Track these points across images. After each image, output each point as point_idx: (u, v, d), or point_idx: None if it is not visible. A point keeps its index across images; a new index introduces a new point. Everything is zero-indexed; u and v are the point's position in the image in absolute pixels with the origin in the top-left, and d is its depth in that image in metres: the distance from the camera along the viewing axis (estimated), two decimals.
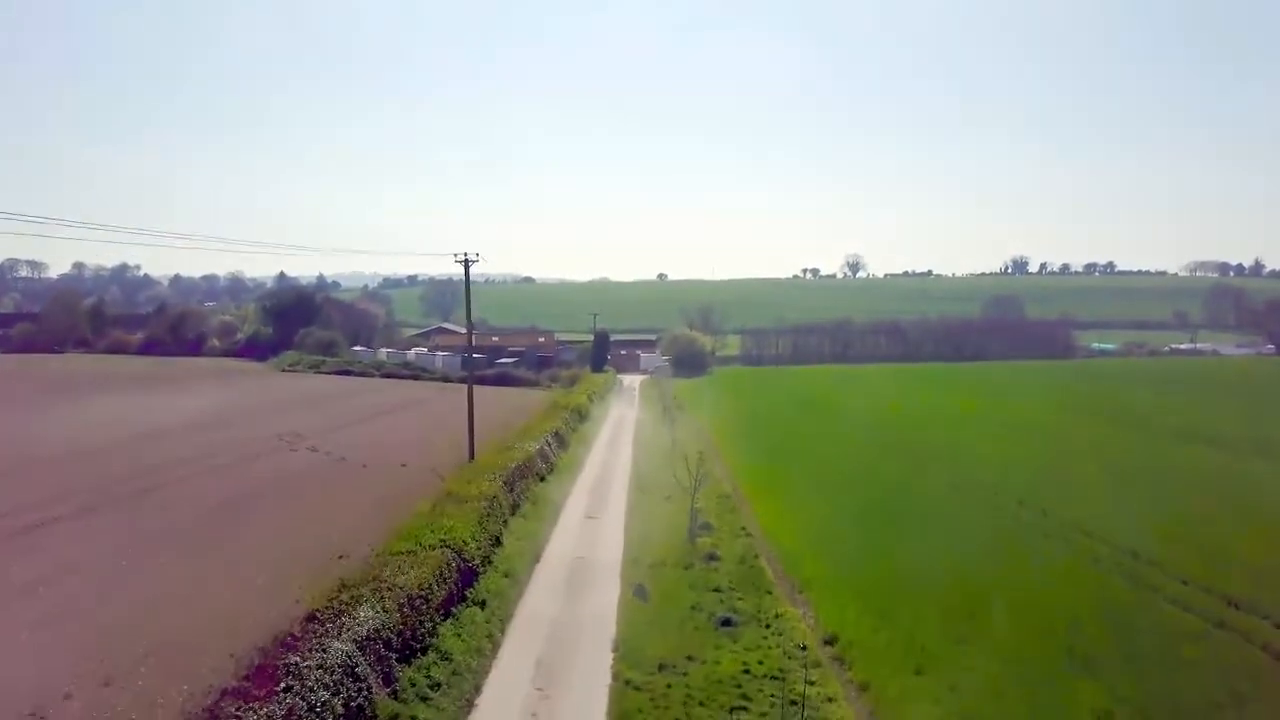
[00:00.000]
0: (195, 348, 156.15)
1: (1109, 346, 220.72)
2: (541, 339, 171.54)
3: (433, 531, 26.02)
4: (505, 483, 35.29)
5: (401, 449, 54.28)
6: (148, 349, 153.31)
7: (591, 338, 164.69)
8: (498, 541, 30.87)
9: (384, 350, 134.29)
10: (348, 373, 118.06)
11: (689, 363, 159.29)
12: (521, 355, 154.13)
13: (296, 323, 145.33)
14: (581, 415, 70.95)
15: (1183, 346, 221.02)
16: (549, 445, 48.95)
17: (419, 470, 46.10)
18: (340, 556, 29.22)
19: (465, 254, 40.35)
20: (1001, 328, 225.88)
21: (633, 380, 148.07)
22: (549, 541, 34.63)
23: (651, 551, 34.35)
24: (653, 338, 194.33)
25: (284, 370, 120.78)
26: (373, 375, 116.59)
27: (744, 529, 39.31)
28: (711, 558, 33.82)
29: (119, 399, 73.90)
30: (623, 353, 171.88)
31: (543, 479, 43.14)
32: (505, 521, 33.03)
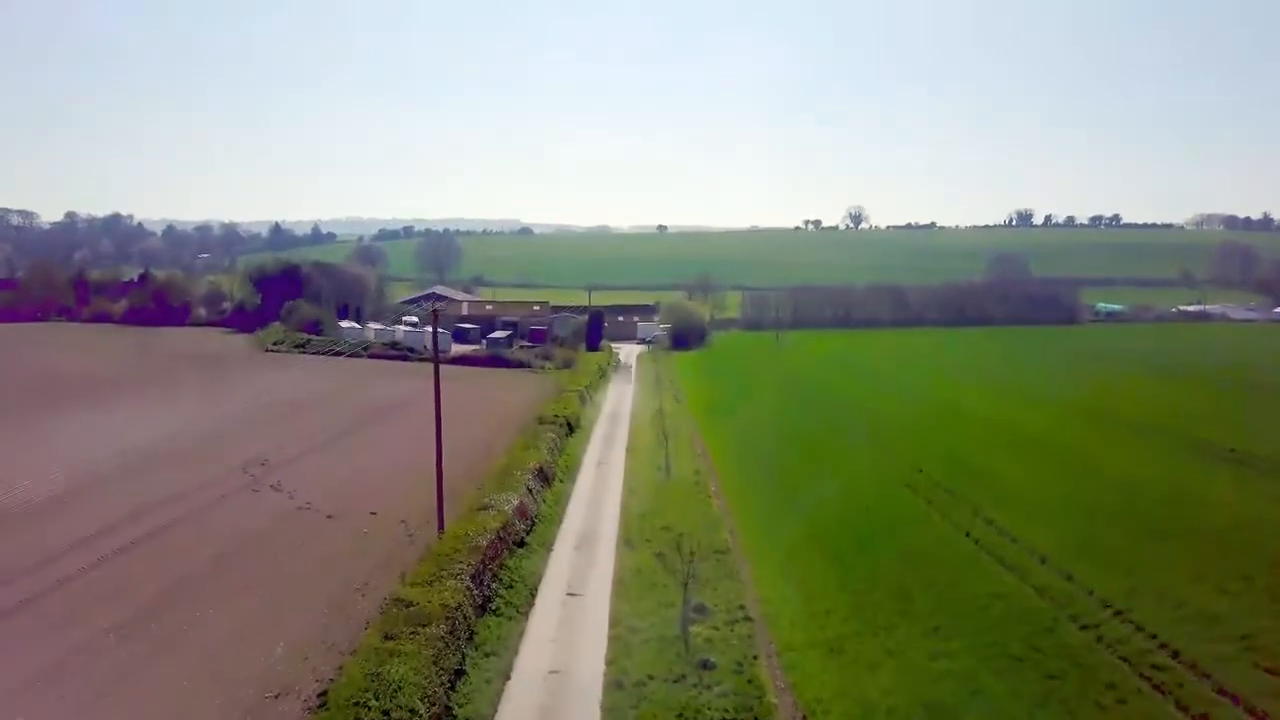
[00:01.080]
0: (181, 317, 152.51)
1: (1116, 307, 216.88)
2: (536, 307, 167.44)
3: (377, 697, 22.23)
4: (475, 575, 31.44)
5: (375, 483, 50.54)
6: (132, 318, 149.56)
7: (588, 298, 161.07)
8: (461, 672, 27.17)
9: (372, 326, 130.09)
10: (334, 353, 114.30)
11: (687, 333, 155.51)
12: (515, 327, 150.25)
13: (284, 292, 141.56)
14: (571, 426, 67.04)
15: (1190, 308, 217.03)
16: (530, 489, 45.05)
17: (389, 524, 42.42)
18: (276, 695, 25.52)
19: (434, 306, 36.37)
20: (1005, 290, 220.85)
21: (630, 353, 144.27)
22: (522, 646, 30.79)
23: (638, 654, 30.68)
24: (651, 303, 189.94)
25: (268, 350, 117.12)
26: (360, 356, 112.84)
27: (742, 608, 35.62)
28: (705, 665, 30.18)
29: (67, 420, 66.94)
30: (620, 319, 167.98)
31: (521, 543, 39.30)
32: (471, 635, 29.28)
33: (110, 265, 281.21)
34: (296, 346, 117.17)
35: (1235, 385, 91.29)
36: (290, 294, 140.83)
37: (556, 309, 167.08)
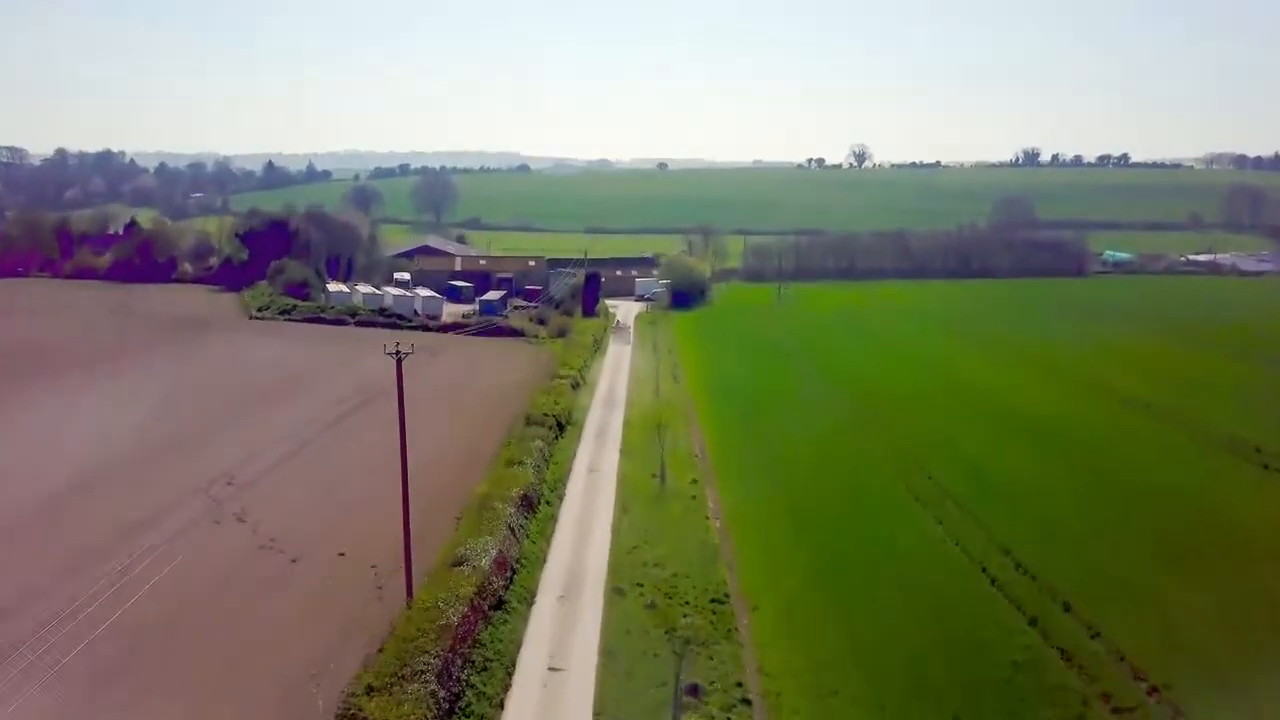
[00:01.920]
0: (167, 272, 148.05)
1: (1124, 256, 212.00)
2: (532, 263, 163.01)
3: None
4: (441, 671, 28.08)
5: (348, 505, 47.18)
6: (116, 273, 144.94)
7: (584, 254, 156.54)
8: None
9: (360, 290, 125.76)
10: (320, 320, 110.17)
11: (687, 290, 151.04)
12: (510, 284, 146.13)
13: (272, 247, 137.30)
14: (562, 425, 63.56)
15: (1200, 258, 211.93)
16: (512, 527, 41.56)
17: (358, 568, 39.17)
18: None
19: (399, 351, 32.51)
20: (1011, 237, 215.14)
21: (628, 312, 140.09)
22: None
23: None
24: (650, 255, 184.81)
25: (253, 316, 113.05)
26: (347, 323, 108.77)
27: (740, 685, 32.57)
28: None
29: (19, 413, 62.69)
30: (618, 273, 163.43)
31: (499, 604, 35.87)
32: None
33: (101, 204, 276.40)
34: (282, 313, 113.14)
35: (1251, 357, 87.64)
36: (279, 249, 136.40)
37: (553, 263, 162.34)
